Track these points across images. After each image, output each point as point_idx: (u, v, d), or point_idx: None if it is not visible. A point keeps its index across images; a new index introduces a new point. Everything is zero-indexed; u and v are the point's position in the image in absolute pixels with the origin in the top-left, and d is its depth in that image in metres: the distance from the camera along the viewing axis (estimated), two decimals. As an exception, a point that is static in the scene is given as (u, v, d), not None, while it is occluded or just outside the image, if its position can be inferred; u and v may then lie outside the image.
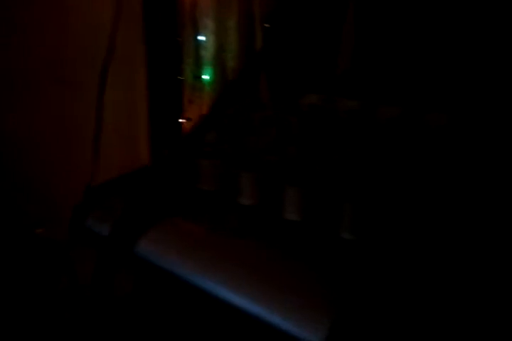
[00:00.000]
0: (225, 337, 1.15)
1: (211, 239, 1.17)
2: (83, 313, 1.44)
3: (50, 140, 1.86)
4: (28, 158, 1.82)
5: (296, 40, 1.80)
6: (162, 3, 2.04)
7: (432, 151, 1.29)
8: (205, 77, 2.14)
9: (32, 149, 1.82)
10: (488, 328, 0.95)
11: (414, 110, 1.43)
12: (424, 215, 1.13)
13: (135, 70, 2.05)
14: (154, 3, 2.01)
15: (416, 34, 1.56)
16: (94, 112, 1.74)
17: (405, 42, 1.59)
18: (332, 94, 1.55)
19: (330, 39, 1.77)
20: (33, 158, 1.83)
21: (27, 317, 1.61)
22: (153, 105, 2.08)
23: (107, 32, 1.79)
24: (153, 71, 2.05)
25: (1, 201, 1.77)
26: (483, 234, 1.08)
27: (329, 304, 0.97)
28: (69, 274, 1.51)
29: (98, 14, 1.86)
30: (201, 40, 2.13)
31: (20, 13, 1.72)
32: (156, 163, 1.27)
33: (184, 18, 2.10)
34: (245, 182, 1.23)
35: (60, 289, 1.59)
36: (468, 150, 1.29)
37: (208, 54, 2.13)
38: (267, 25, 1.96)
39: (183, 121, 2.11)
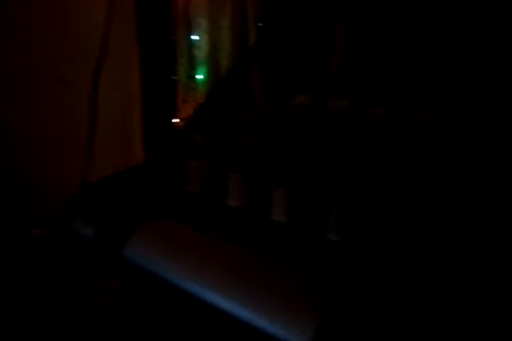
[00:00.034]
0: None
1: (198, 241, 1.17)
2: (71, 316, 1.43)
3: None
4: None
5: (289, 39, 1.80)
6: (155, 2, 2.04)
7: (422, 152, 1.28)
8: (199, 76, 2.14)
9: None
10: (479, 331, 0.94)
11: (405, 110, 1.42)
12: (412, 216, 1.12)
13: (129, 70, 2.04)
14: (147, 2, 2.00)
15: (406, 34, 1.56)
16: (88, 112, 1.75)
17: (396, 42, 1.58)
18: (323, 94, 1.54)
19: (323, 38, 1.76)
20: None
21: (21, 318, 1.61)
22: (147, 105, 2.07)
23: (100, 32, 1.79)
24: (147, 70, 2.05)
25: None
26: (471, 236, 1.07)
27: (315, 306, 0.96)
28: (62, 276, 1.51)
29: (92, 14, 1.86)
30: (195, 40, 2.13)
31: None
32: (143, 164, 1.26)
33: (178, 18, 2.09)
34: (233, 184, 1.22)
35: (54, 291, 1.59)
36: (458, 150, 1.28)
37: (201, 53, 2.13)
38: (260, 24, 1.96)
39: (178, 120, 2.11)
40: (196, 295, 1.06)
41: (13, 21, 1.70)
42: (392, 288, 0.99)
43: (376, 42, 1.62)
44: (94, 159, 1.82)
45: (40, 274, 1.70)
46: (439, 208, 1.13)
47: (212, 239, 1.16)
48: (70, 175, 1.68)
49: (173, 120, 2.11)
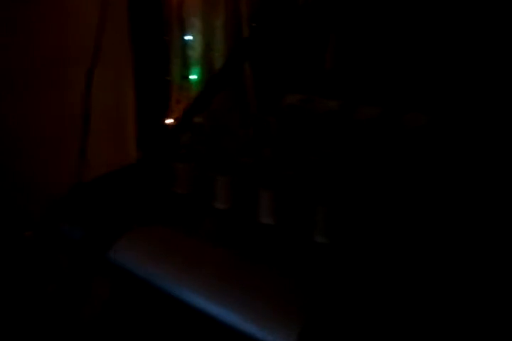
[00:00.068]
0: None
1: (185, 244, 1.16)
2: (64, 317, 1.43)
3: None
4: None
5: (282, 39, 1.79)
6: (148, 2, 2.03)
7: (412, 152, 1.27)
8: (193, 76, 2.14)
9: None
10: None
11: (394, 110, 1.41)
12: (401, 218, 1.11)
13: (122, 70, 2.04)
14: (140, 2, 2.00)
15: (396, 34, 1.55)
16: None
17: (386, 43, 1.57)
18: (313, 94, 1.53)
19: (316, 39, 1.76)
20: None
21: (16, 318, 1.60)
22: (140, 105, 2.07)
23: (93, 32, 1.79)
24: (140, 71, 2.04)
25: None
26: (460, 238, 1.06)
27: (299, 309, 0.96)
28: (57, 277, 1.50)
29: (85, 14, 1.86)
30: (188, 40, 2.12)
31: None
32: (130, 166, 1.26)
33: (171, 18, 2.09)
34: (220, 186, 1.21)
35: (49, 293, 1.59)
36: (449, 151, 1.27)
37: (195, 53, 2.12)
38: (254, 24, 1.95)
39: (171, 121, 2.11)
40: (183, 298, 1.05)
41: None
42: (379, 291, 0.98)
43: (366, 42, 1.61)
44: (88, 159, 1.82)
45: (35, 275, 1.70)
46: (428, 209, 1.12)
47: (199, 242, 1.15)
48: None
49: (167, 120, 2.10)
